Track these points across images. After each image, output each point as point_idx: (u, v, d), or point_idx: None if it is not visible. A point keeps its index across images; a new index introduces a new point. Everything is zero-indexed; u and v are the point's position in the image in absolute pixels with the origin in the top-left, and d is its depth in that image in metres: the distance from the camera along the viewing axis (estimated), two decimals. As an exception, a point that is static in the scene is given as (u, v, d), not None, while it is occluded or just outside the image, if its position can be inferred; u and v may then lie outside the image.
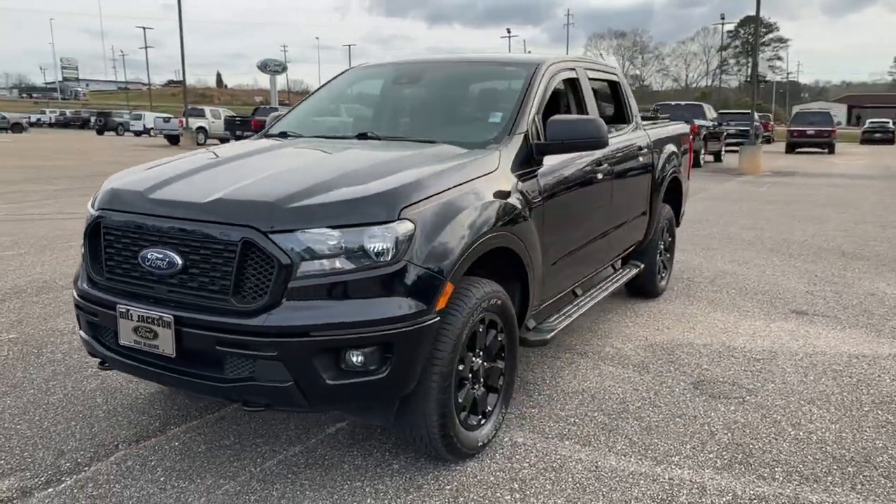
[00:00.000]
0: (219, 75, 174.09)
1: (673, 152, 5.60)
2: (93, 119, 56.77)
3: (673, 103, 23.58)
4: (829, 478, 2.92)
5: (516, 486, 2.83)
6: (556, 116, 3.56)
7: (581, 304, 4.19)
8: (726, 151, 25.45)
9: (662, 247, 5.75)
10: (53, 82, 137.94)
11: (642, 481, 2.87)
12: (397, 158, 3.18)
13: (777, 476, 2.92)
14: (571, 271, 4.03)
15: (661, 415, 3.53)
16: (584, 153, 4.03)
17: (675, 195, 5.97)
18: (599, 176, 4.16)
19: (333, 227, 2.49)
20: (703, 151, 21.41)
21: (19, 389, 3.76)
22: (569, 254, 3.89)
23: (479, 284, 2.93)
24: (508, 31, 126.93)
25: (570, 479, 2.88)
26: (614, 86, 5.16)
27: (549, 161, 3.59)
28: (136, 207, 2.78)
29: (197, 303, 2.55)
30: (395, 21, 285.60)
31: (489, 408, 3.15)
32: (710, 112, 24.33)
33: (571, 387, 3.88)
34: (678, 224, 6.30)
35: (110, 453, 3.07)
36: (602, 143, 3.56)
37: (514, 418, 3.47)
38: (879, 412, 3.60)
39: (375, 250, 2.50)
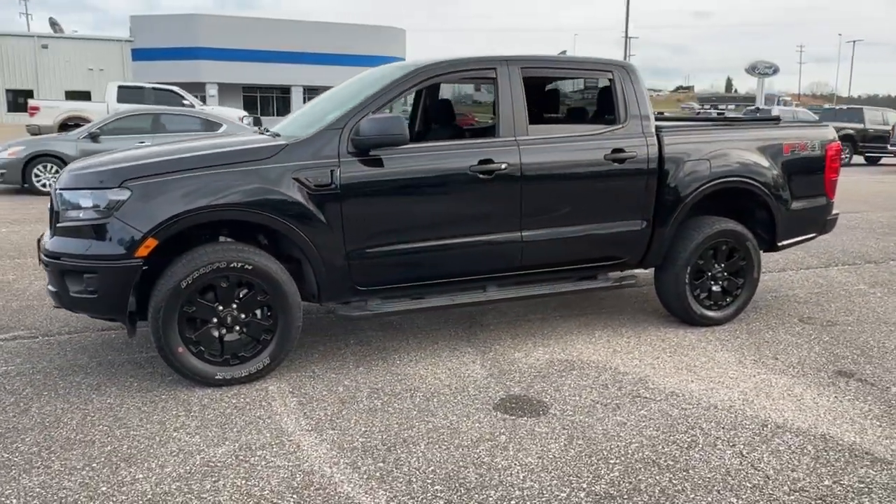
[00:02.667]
0: (728, 80, 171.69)
1: (705, 162, 4.78)
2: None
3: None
4: None
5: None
6: (372, 115, 3.94)
7: (451, 300, 4.32)
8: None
9: (711, 270, 4.93)
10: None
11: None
12: (188, 147, 4.13)
13: None
14: (422, 263, 4.20)
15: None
16: (454, 152, 4.22)
17: (758, 212, 5.06)
18: (483, 176, 4.19)
19: (83, 189, 3.67)
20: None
21: None
22: (405, 247, 4.10)
23: (213, 247, 3.71)
24: None
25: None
26: (605, 85, 4.79)
27: (391, 158, 3.98)
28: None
29: None
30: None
31: (245, 353, 3.85)
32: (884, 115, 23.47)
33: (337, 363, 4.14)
34: (773, 248, 5.22)
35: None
36: (398, 140, 3.85)
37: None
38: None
39: (101, 206, 3.60)
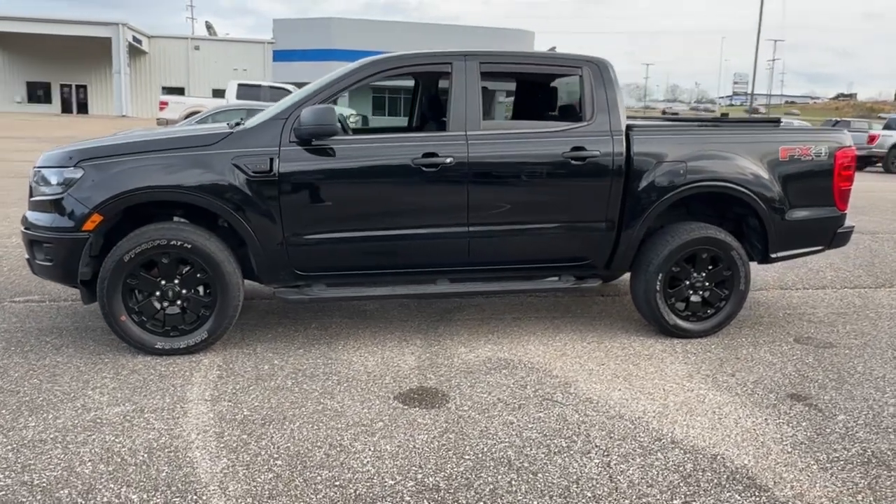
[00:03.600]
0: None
1: (678, 165, 4.51)
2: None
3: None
4: None
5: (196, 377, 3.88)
6: (311, 106, 4.10)
7: (390, 289, 4.39)
8: None
9: (690, 279, 4.67)
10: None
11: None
12: (150, 133, 4.47)
13: None
14: (366, 253, 4.30)
15: None
16: (398, 145, 4.30)
17: (750, 220, 4.76)
18: (428, 169, 4.23)
19: (51, 167, 4.09)
20: None
21: None
22: (346, 235, 4.22)
23: (159, 226, 4.01)
24: None
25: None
26: (572, 82, 4.65)
27: (333, 149, 4.12)
28: None
29: None
30: None
31: (185, 327, 4.13)
32: None
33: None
34: (766, 259, 4.86)
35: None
36: (328, 130, 4.00)
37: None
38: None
39: (60, 183, 4.00)
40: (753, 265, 4.97)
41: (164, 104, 21.96)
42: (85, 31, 47.84)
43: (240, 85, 21.53)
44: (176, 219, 4.29)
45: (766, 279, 6.55)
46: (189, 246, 4.00)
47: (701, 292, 4.73)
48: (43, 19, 47.52)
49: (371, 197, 4.25)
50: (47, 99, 52.24)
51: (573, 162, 4.40)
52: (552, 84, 5.29)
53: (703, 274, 4.71)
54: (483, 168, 4.31)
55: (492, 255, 4.49)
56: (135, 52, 50.51)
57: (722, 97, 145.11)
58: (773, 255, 4.84)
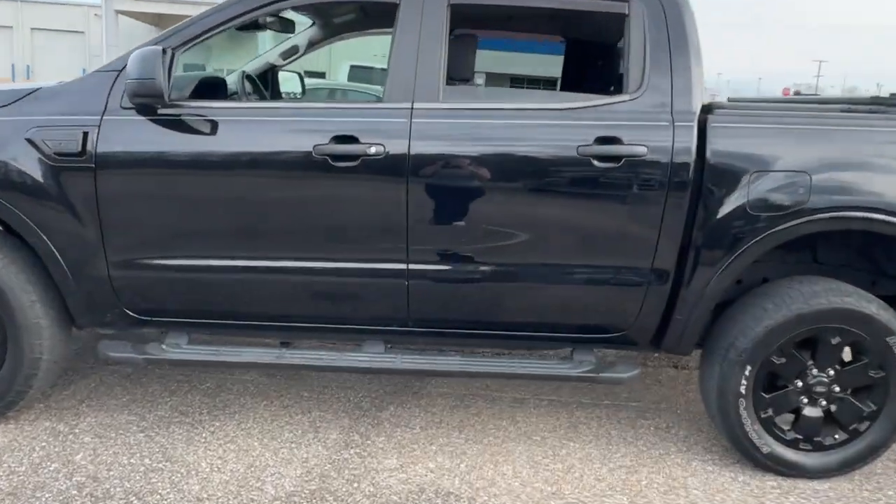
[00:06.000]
0: None
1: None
2: None
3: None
4: None
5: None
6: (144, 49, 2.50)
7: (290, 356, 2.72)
8: None
9: (805, 378, 2.66)
10: None
11: None
12: None
13: None
14: (233, 290, 2.68)
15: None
16: (292, 120, 2.63)
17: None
18: (340, 164, 2.53)
19: None
20: None
21: None
22: (209, 263, 2.63)
23: None
24: None
25: None
26: (611, 28, 2.74)
27: (189, 122, 2.57)
28: None
29: None
30: None
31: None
32: None
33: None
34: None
35: None
36: (150, 89, 2.39)
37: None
38: None
39: None
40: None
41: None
42: None
43: (352, 67, 20.51)
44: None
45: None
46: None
47: (824, 402, 2.69)
48: None
49: (246, 204, 2.61)
50: None
51: (597, 163, 2.52)
52: (574, 32, 3.40)
53: (831, 371, 2.66)
54: (436, 167, 2.55)
55: (449, 312, 2.72)
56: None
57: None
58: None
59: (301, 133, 2.56)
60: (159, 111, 2.55)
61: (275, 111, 2.73)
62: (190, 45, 2.60)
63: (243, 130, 2.59)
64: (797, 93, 10.57)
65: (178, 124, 2.56)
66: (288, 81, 4.60)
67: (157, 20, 22.96)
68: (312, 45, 3.87)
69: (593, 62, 3.58)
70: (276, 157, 2.55)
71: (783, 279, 2.73)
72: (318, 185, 2.56)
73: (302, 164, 2.53)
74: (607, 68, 3.41)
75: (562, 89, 3.92)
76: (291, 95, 4.56)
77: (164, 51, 2.43)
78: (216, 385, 3.27)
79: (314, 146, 2.51)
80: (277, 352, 2.74)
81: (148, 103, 2.51)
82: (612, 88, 2.99)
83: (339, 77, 20.37)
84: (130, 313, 2.70)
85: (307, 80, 15.80)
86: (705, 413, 2.99)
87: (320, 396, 3.22)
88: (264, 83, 3.88)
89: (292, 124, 2.60)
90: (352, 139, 2.51)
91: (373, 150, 2.50)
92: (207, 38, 2.63)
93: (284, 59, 3.89)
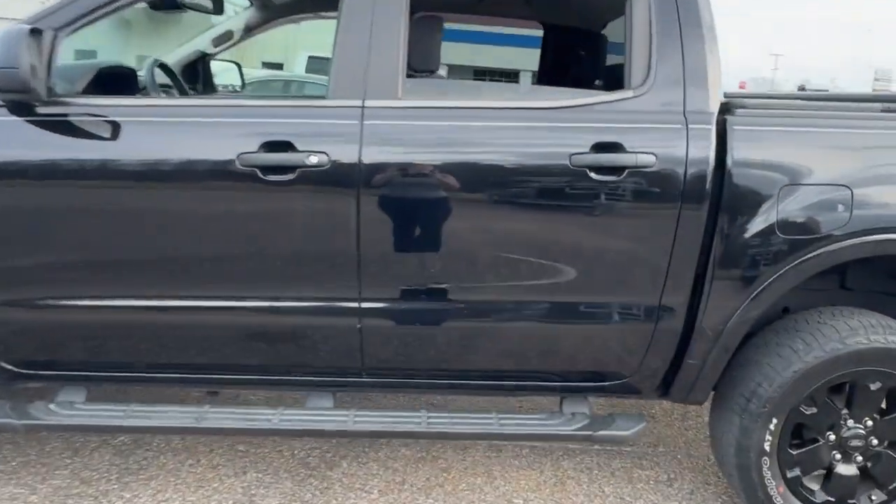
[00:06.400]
0: None
1: None
2: None
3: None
4: None
5: None
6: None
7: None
8: None
9: (838, 430, 2.22)
10: None
11: None
12: None
13: None
14: (142, 334, 2.14)
15: None
16: (209, 122, 2.07)
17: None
18: (272, 178, 1.99)
19: None
20: None
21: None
22: (96, 302, 2.08)
23: None
24: None
25: None
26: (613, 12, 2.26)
27: (88, 117, 2.00)
28: None
29: None
30: None
31: None
32: None
33: None
34: None
35: None
36: (6, 82, 1.80)
37: None
38: None
39: None
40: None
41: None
42: None
43: (310, 57, 19.76)
44: None
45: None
46: None
47: (860, 458, 2.25)
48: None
49: (153, 229, 2.05)
50: None
51: (594, 175, 2.02)
52: (556, 15, 2.93)
53: (869, 421, 2.23)
54: (393, 180, 2.02)
55: (412, 358, 2.21)
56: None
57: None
58: None
59: (221, 138, 2.02)
60: (38, 109, 1.98)
61: (188, 110, 2.16)
62: (78, 24, 2.03)
63: (147, 135, 2.04)
64: (801, 88, 10.11)
65: (63, 126, 2.01)
66: (226, 73, 4.03)
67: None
68: (251, 30, 3.32)
69: (577, 51, 3.09)
70: (190, 169, 2.01)
71: (810, 312, 2.29)
72: (245, 205, 2.02)
73: (223, 177, 1.99)
74: (594, 58, 2.94)
75: (539, 83, 3.43)
76: (230, 90, 3.99)
77: (36, 32, 1.86)
78: (133, 440, 2.71)
79: (238, 155, 1.97)
80: (198, 411, 2.19)
81: (20, 100, 1.94)
82: (598, 83, 2.50)
83: (297, 69, 19.60)
84: (8, 366, 2.13)
85: (261, 73, 15.02)
86: (710, 459, 2.54)
87: (258, 451, 2.68)
88: (194, 74, 3.32)
89: (210, 127, 2.05)
90: (287, 146, 1.98)
91: (313, 159, 1.97)
92: (102, 17, 2.06)
93: (217, 47, 3.32)
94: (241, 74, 3.92)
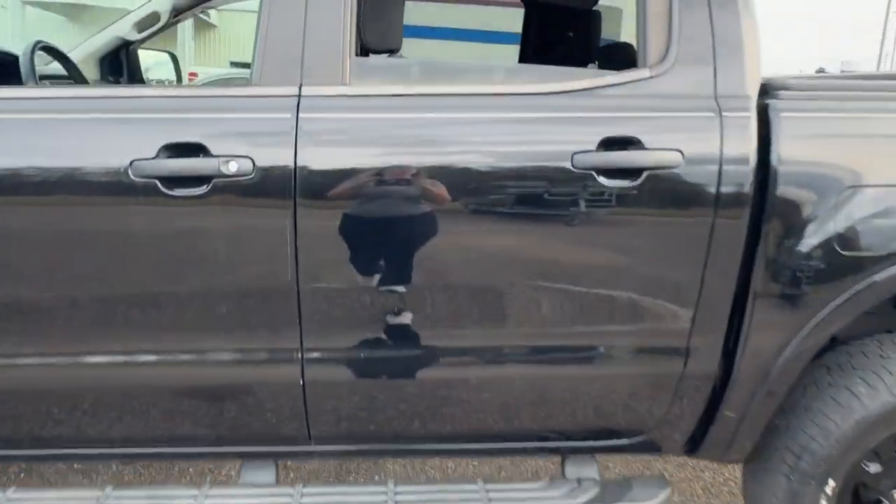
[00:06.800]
0: None
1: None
2: None
3: None
4: None
5: None
6: None
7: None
8: None
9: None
10: None
11: None
12: None
13: None
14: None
15: None
16: (96, 117, 1.56)
17: None
18: (179, 192, 1.49)
19: None
20: None
21: None
22: None
23: None
24: None
25: None
26: None
27: None
28: None
29: None
30: None
31: None
32: None
33: None
34: None
35: None
36: None
37: None
38: None
39: None
40: None
41: (192, 75, 20.03)
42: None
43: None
44: None
45: None
46: None
47: (936, 524, 1.81)
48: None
49: (29, 262, 1.54)
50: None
51: (604, 179, 1.55)
52: None
53: (949, 479, 1.79)
54: (340, 190, 1.52)
55: (371, 419, 1.72)
56: (201, 25, 49.24)
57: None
58: None
59: (111, 140, 1.51)
60: None
61: (61, 103, 1.62)
62: None
63: (16, 135, 1.52)
64: (820, 70, 9.63)
65: None
66: (161, 66, 3.51)
67: (69, 11, 21.15)
68: (179, 12, 2.80)
69: (565, 31, 2.62)
70: (71, 180, 1.49)
71: (866, 342, 1.84)
72: (143, 228, 1.51)
73: (112, 192, 1.49)
74: (585, 37, 2.47)
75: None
76: (166, 85, 3.47)
77: None
78: None
79: (132, 162, 1.46)
80: (98, 494, 1.68)
81: None
82: (624, 58, 2.04)
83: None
84: None
85: (220, 70, 14.40)
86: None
87: None
88: (117, 65, 2.81)
89: (95, 126, 1.54)
90: (196, 149, 1.48)
91: (232, 166, 1.47)
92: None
93: (141, 32, 2.80)
94: (178, 67, 3.39)
